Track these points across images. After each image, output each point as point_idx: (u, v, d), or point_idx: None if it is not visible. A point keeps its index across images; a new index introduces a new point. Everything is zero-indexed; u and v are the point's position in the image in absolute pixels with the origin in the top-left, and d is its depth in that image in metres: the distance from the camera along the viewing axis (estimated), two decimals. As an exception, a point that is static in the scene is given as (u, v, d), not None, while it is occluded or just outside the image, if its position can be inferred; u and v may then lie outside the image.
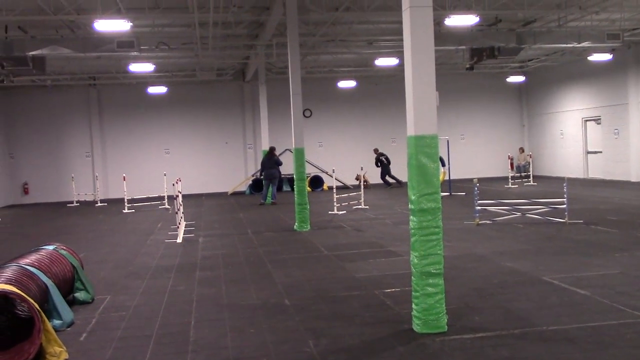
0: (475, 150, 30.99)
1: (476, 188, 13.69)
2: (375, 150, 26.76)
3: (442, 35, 19.28)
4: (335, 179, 19.45)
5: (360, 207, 18.36)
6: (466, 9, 17.12)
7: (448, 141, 22.89)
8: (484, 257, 9.90)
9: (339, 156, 29.17)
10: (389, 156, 26.70)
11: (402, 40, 19.64)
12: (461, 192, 21.74)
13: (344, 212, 17.46)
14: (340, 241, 12.28)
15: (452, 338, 5.87)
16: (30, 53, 17.10)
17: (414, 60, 6.25)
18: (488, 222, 13.62)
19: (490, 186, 24.25)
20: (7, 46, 16.98)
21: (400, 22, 18.84)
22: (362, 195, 18.70)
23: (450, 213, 15.40)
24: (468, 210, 15.50)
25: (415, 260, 6.18)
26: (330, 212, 17.36)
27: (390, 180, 26.39)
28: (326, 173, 26.87)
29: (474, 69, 23.17)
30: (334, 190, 18.11)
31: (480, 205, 13.87)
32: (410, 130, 6.30)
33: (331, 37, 20.76)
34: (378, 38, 21.36)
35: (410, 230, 6.29)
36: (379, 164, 26.40)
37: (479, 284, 8.04)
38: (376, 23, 19.76)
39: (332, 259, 10.39)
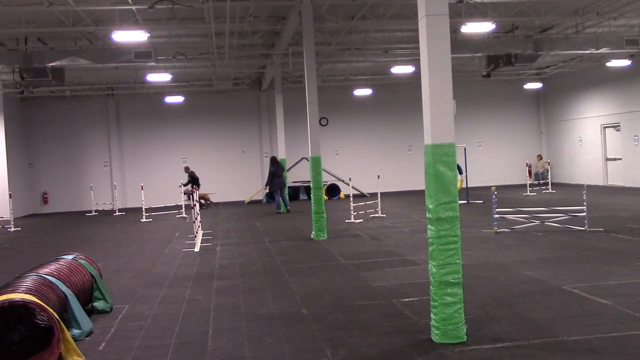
0: (493, 158, 30.81)
1: (494, 196, 13.59)
2: (186, 169, 25.71)
3: (458, 43, 19.23)
4: (352, 187, 19.40)
5: (377, 215, 18.30)
6: (482, 16, 17.07)
7: (465, 149, 22.77)
8: (502, 265, 9.81)
9: (356, 164, 29.16)
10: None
11: (418, 48, 19.63)
12: (479, 200, 21.60)
13: (361, 220, 17.41)
14: (357, 250, 12.24)
15: (472, 348, 5.81)
16: (50, 64, 17.30)
17: (430, 68, 6.23)
18: (506, 230, 13.51)
19: (508, 194, 24.07)
20: (27, 58, 17.21)
21: (416, 30, 18.90)
22: (379, 203, 18.64)
23: (468, 221, 15.30)
24: (486, 219, 15.39)
25: (434, 270, 6.14)
26: (347, 221, 17.33)
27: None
28: (343, 181, 26.87)
29: (490, 76, 23.07)
30: (351, 199, 18.07)
31: (498, 213, 13.76)
32: (428, 139, 6.27)
33: (347, 46, 20.79)
34: (394, 46, 21.34)
35: (428, 239, 6.25)
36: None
37: (498, 293, 7.96)
38: (392, 31, 19.77)
39: (349, 267, 10.35)
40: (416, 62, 22.54)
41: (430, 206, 6.16)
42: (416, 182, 29.37)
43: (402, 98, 30.05)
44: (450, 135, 6.20)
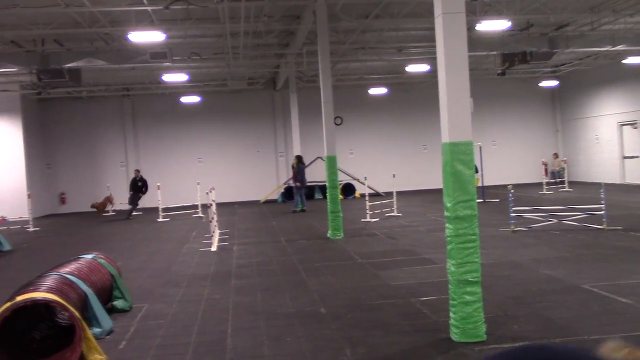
0: (508, 156, 30.64)
1: (510, 194, 13.53)
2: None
3: (473, 41, 19.15)
4: (368, 186, 19.39)
5: (393, 214, 18.28)
6: (497, 14, 16.98)
7: (480, 147, 22.67)
8: (520, 264, 9.76)
9: (370, 163, 29.12)
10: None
11: (432, 46, 19.67)
12: (494, 198, 21.51)
13: (377, 219, 17.40)
14: (374, 249, 12.24)
15: (491, 347, 5.80)
16: (66, 65, 17.46)
17: (447, 66, 6.23)
18: (523, 229, 13.44)
19: (524, 192, 23.93)
20: (44, 59, 17.38)
21: (431, 29, 18.84)
22: (395, 202, 18.61)
23: (484, 220, 15.21)
24: (502, 217, 15.32)
25: (452, 268, 6.13)
26: (362, 220, 17.32)
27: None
28: (358, 180, 26.84)
29: (505, 74, 22.97)
30: (367, 198, 18.07)
31: (515, 211, 13.70)
32: (445, 137, 6.26)
33: (361, 45, 20.78)
34: (408, 45, 21.30)
35: (446, 238, 6.25)
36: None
37: (516, 292, 7.93)
38: (406, 30, 19.72)
39: (366, 266, 10.36)
40: (431, 61, 22.47)
41: (448, 204, 6.16)
42: (431, 181, 29.25)
43: (417, 97, 29.97)
44: (467, 134, 6.20)
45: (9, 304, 5.60)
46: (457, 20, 6.23)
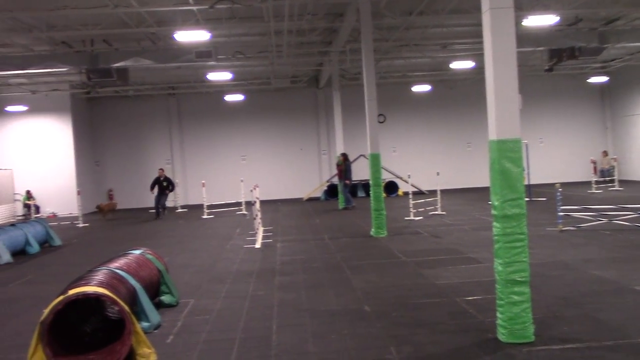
0: (555, 154, 30.01)
1: (558, 193, 13.25)
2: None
3: (520, 37, 18.68)
4: (411, 184, 19.25)
5: (437, 213, 18.11)
6: (544, 9, 16.63)
7: (527, 145, 22.26)
8: (569, 265, 9.55)
9: (414, 161, 28.92)
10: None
11: (478, 42, 19.32)
12: (541, 197, 21.10)
13: (421, 218, 17.26)
14: (418, 247, 12.15)
15: (540, 349, 5.69)
16: (114, 65, 17.80)
17: (495, 63, 6.12)
18: (572, 228, 13.14)
19: (572, 191, 23.40)
20: (93, 59, 17.76)
21: (476, 25, 18.58)
22: (439, 201, 18.44)
23: (530, 219, 14.83)
24: (550, 217, 15.02)
25: (500, 268, 6.03)
26: (406, 218, 17.21)
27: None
28: (401, 179, 26.70)
29: (553, 70, 22.45)
30: (410, 196, 17.94)
31: (563, 210, 13.41)
32: (492, 135, 6.16)
33: (405, 42, 20.64)
34: (453, 41, 21.05)
35: (493, 237, 6.15)
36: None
37: (565, 292, 7.76)
38: (451, 26, 19.47)
39: (410, 265, 10.29)
40: (476, 57, 22.16)
41: (496, 203, 6.06)
42: (476, 179, 28.89)
43: (461, 94, 29.62)
44: (515, 131, 6.08)
45: (61, 297, 5.75)
46: (505, 16, 6.12)
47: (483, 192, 24.43)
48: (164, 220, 21.90)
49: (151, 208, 27.32)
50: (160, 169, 23.41)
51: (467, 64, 22.71)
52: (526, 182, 21.61)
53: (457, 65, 22.91)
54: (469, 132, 29.71)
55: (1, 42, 18.16)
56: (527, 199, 19.85)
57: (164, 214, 22.98)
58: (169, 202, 27.12)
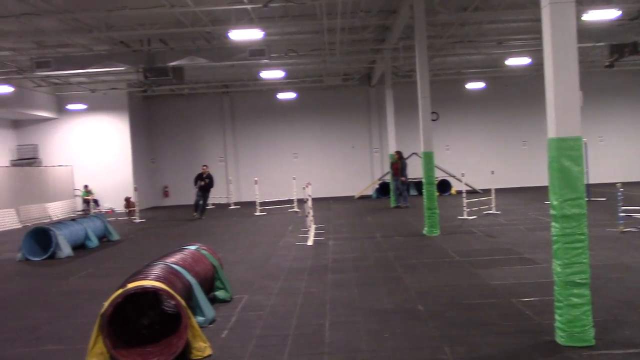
0: (615, 153, 29.10)
1: (619, 193, 12.83)
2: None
3: (580, 32, 18.16)
4: (465, 183, 18.98)
5: (491, 212, 17.80)
6: (606, 3, 16.13)
7: (585, 143, 21.61)
8: (631, 267, 9.24)
9: (467, 160, 28.52)
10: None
11: (534, 38, 18.84)
12: (601, 197, 20.48)
13: (474, 217, 17.01)
14: (472, 247, 11.97)
15: (601, 353, 5.52)
16: (170, 64, 18.14)
17: (555, 59, 5.95)
18: (633, 230, 12.71)
19: (634, 191, 22.62)
20: (150, 58, 18.15)
21: (533, 20, 18.20)
22: (494, 200, 18.12)
23: (590, 219, 14.37)
24: (610, 217, 14.56)
25: (559, 269, 5.88)
26: (459, 217, 16.98)
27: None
28: (454, 177, 26.38)
29: (614, 66, 21.75)
30: (464, 195, 17.69)
31: (624, 211, 12.97)
32: (552, 133, 5.99)
33: (459, 38, 20.36)
34: (508, 37, 20.66)
35: (552, 237, 5.99)
36: None
37: (627, 296, 7.51)
38: (506, 22, 19.12)
39: (464, 265, 10.14)
40: (532, 53, 21.69)
41: (555, 202, 5.90)
42: (531, 178, 28.31)
43: (517, 91, 29.05)
44: (576, 129, 5.91)
45: (120, 290, 5.89)
46: (565, 10, 5.95)
47: (539, 191, 23.89)
48: (217, 217, 22.19)
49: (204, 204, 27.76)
50: (204, 166, 22.52)
51: (523, 61, 22.23)
52: (586, 182, 21.04)
53: (513, 61, 22.46)
54: (524, 130, 29.12)
55: (63, 43, 18.76)
56: (586, 199, 19.42)
57: (204, 215, 21.84)
58: (222, 199, 27.55)
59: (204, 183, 21.45)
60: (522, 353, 5.67)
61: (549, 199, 6.09)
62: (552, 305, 6.04)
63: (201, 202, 21.76)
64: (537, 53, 21.15)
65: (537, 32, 19.45)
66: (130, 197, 23.36)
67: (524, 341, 5.99)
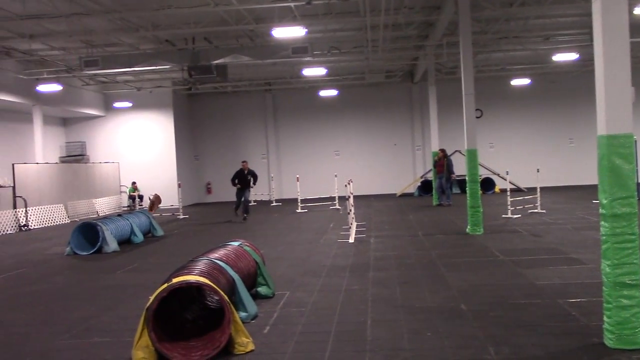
0: (667, 151, 28.23)
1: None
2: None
3: (631, 26, 17.62)
4: (509, 181, 18.68)
5: (536, 211, 17.48)
6: (659, -4, 15.65)
7: (636, 141, 21.02)
8: (683, 268, 8.94)
9: (512, 158, 28.06)
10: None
11: (583, 33, 18.34)
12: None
13: (519, 215, 16.72)
14: (516, 246, 11.77)
15: (652, 356, 5.36)
16: (214, 62, 18.35)
17: (606, 53, 5.78)
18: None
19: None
20: (195, 56, 18.39)
21: (582, 15, 17.79)
22: (539, 198, 17.79)
23: None
24: (661, 217, 14.13)
25: (608, 270, 5.72)
26: (503, 216, 16.72)
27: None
28: (498, 175, 26.00)
29: (666, 61, 21.11)
30: (508, 193, 17.41)
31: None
32: (602, 130, 5.83)
33: (505, 34, 20.05)
34: (556, 32, 20.23)
35: (601, 237, 5.84)
36: None
37: (679, 298, 7.26)
38: (554, 17, 18.74)
39: (508, 264, 9.98)
40: (580, 49, 21.18)
41: (604, 201, 5.75)
42: (578, 176, 27.71)
43: (563, 87, 28.46)
44: (627, 125, 5.74)
45: (165, 285, 5.98)
46: (617, 5, 5.77)
47: (586, 190, 23.36)
48: (259, 213, 22.34)
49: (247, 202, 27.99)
50: (244, 162, 20.73)
51: (571, 56, 21.74)
52: (637, 180, 20.47)
53: (560, 57, 21.98)
54: (571, 127, 28.52)
55: (110, 42, 19.17)
56: (637, 198, 18.90)
57: (247, 216, 19.95)
58: (264, 196, 27.74)
59: (247, 180, 19.74)
60: (569, 355, 5.54)
61: (597, 198, 5.94)
62: (600, 306, 5.90)
63: (243, 199, 19.87)
64: (585, 48, 20.65)
65: (586, 27, 19.03)
66: (154, 195, 23.82)
67: (570, 343, 5.85)
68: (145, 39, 19.08)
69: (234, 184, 19.78)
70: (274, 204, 26.22)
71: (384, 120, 29.84)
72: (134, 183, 27.56)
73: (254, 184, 20.27)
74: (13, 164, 20.79)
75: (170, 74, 24.91)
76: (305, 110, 30.13)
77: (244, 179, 19.73)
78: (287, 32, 16.51)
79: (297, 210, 22.00)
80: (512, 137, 29.20)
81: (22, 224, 20.26)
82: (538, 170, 18.67)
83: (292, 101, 30.15)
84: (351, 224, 14.61)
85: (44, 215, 21.64)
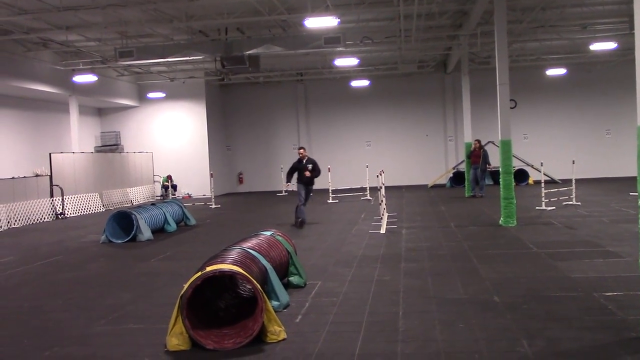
0: None
1: None
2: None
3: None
4: (544, 173, 18.40)
5: (571, 203, 17.21)
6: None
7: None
8: None
9: (546, 149, 27.62)
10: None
11: (621, 22, 17.99)
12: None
13: (553, 208, 16.48)
14: (550, 238, 11.61)
15: (691, 351, 5.24)
16: (247, 52, 18.40)
17: (647, 41, 5.64)
18: None
19: None
20: (228, 47, 18.47)
21: (621, 3, 17.34)
22: (574, 190, 17.49)
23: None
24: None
25: (646, 263, 5.62)
26: (537, 208, 16.50)
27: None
28: (532, 167, 25.65)
29: None
30: (542, 185, 17.16)
31: None
32: (641, 120, 5.71)
33: (541, 23, 19.69)
34: (593, 21, 19.81)
35: (639, 230, 5.72)
36: None
37: None
38: (591, 5, 18.34)
39: (542, 256, 9.85)
40: (619, 38, 20.71)
41: (643, 194, 5.63)
42: (615, 168, 27.18)
43: (600, 77, 27.88)
44: (668, 116, 5.60)
45: (200, 273, 6.05)
46: (659, -9, 5.62)
47: (623, 182, 22.88)
48: (290, 204, 22.42)
49: (278, 191, 28.14)
50: (300, 148, 15.98)
51: (609, 46, 21.27)
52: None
53: (597, 46, 21.53)
54: (608, 118, 27.95)
55: (145, 33, 19.37)
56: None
57: (301, 221, 15.32)
58: (295, 186, 27.78)
59: (308, 172, 15.12)
60: (605, 349, 5.46)
61: (635, 190, 5.82)
62: (637, 300, 5.81)
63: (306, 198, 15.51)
64: (624, 37, 20.19)
65: (625, 15, 18.56)
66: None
67: (606, 337, 5.76)
68: (178, 30, 19.23)
69: (289, 179, 15.46)
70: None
71: (415, 110, 29.63)
72: (169, 176, 27.86)
73: (317, 176, 15.41)
74: (50, 154, 21.19)
75: (203, 64, 25.09)
76: (337, 101, 30.07)
77: (303, 170, 15.24)
78: (320, 22, 16.47)
79: (328, 201, 22.02)
80: (547, 128, 28.74)
81: (59, 212, 20.68)
82: (573, 162, 18.33)
83: (323, 92, 30.11)
84: (382, 214, 14.57)
85: (79, 203, 22.05)
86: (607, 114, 28.02)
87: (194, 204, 23.02)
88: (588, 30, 20.82)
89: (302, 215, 15.35)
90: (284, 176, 26.47)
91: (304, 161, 15.38)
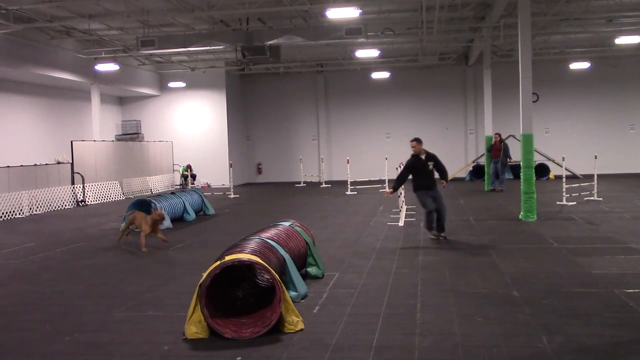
0: None
1: None
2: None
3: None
4: (565, 168, 18.19)
5: (592, 198, 17.01)
6: None
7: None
8: None
9: (568, 143, 27.32)
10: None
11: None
12: None
13: (574, 203, 16.31)
14: (571, 234, 11.49)
15: None
16: (267, 43, 18.35)
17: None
18: None
19: None
20: (249, 37, 18.44)
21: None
22: (595, 185, 17.29)
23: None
24: None
25: (669, 260, 5.53)
26: (558, 203, 16.34)
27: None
28: (553, 161, 25.39)
29: None
30: (563, 180, 16.97)
31: None
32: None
33: (565, 16, 19.40)
34: (619, 14, 19.49)
35: (663, 226, 5.63)
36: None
37: None
38: (618, -3, 18.04)
39: (562, 252, 9.76)
40: (645, 32, 20.38)
41: (669, 190, 5.53)
42: (638, 164, 26.81)
43: (624, 72, 27.48)
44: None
45: (218, 262, 6.08)
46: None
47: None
48: (309, 195, 22.42)
49: (297, 182, 28.17)
50: (414, 140, 11.37)
51: (635, 39, 20.93)
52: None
53: (623, 40, 21.19)
54: (632, 113, 27.57)
55: (166, 22, 19.43)
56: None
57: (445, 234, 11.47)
58: (314, 178, 27.80)
59: (429, 172, 11.28)
60: (626, 346, 5.40)
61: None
62: (660, 298, 5.72)
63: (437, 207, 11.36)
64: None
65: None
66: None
67: (628, 334, 5.70)
68: (200, 20, 19.26)
69: (400, 185, 11.70)
70: (324, 185, 26.26)
71: (436, 103, 29.43)
72: (189, 166, 28.00)
73: (444, 177, 11.66)
74: (72, 142, 21.39)
75: (223, 54, 25.12)
76: (357, 92, 29.96)
77: (423, 171, 11.25)
78: (341, 13, 16.38)
79: (347, 193, 21.99)
80: (569, 122, 28.41)
81: (80, 200, 20.89)
82: (595, 157, 18.12)
83: (343, 83, 30.01)
84: (401, 207, 14.52)
85: (100, 191, 22.25)
86: (631, 109, 27.62)
87: (212, 194, 23.10)
88: (613, 24, 20.49)
89: (440, 227, 11.34)
90: (301, 166, 26.17)
91: (424, 157, 11.27)
